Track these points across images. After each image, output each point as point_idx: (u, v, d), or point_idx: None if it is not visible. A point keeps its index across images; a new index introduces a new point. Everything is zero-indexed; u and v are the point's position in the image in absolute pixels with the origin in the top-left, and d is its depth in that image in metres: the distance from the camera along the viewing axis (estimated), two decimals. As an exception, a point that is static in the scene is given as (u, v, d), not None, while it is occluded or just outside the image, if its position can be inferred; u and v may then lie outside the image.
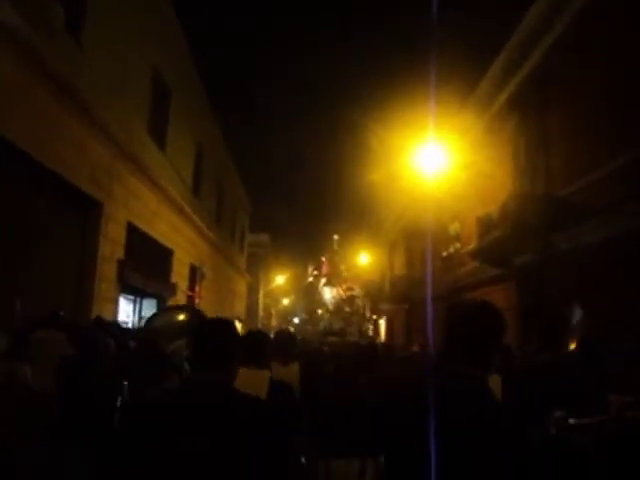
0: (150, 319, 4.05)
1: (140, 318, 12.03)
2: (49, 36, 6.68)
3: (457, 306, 1.93)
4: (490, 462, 1.53)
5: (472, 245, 13.02)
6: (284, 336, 4.52)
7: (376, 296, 29.71)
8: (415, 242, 21.56)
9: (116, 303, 9.48)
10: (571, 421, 2.21)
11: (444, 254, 16.77)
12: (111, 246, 8.87)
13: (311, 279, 31.67)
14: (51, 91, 6.79)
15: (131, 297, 11.27)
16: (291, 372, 4.05)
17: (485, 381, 1.69)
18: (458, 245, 15.72)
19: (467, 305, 1.93)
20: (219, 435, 1.68)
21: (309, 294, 30.40)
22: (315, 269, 31.74)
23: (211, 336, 1.93)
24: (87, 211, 8.35)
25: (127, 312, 11.30)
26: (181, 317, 3.09)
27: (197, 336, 1.95)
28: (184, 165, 14.44)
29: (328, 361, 6.08)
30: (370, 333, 22.54)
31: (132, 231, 9.96)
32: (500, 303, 11.88)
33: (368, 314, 25.92)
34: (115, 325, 8.95)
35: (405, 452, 1.65)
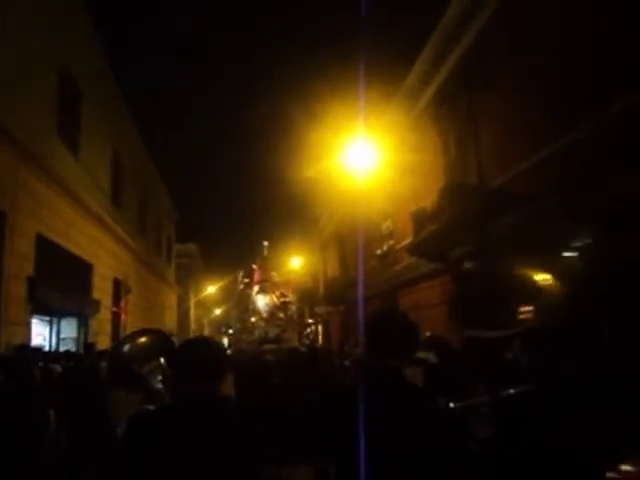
0: (116, 347, 3.97)
1: (59, 340, 10.98)
2: None
3: (375, 317, 2.26)
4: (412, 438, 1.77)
5: (407, 241, 12.96)
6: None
7: (311, 299, 29.40)
8: (348, 242, 21.44)
9: (28, 326, 8.49)
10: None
11: (378, 252, 16.68)
12: (18, 261, 7.91)
13: (242, 287, 30.84)
14: None
15: (46, 318, 10.22)
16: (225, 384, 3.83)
17: (400, 371, 1.99)
18: (392, 242, 15.67)
19: (381, 314, 2.31)
20: (215, 443, 1.84)
21: (241, 302, 29.64)
22: (246, 276, 30.95)
23: (195, 352, 2.09)
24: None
25: (43, 335, 10.24)
26: (143, 339, 3.00)
27: (182, 354, 2.15)
28: (101, 173, 13.43)
29: (271, 370, 5.74)
30: (309, 338, 22.17)
31: (43, 244, 8.98)
32: (437, 297, 11.87)
33: (308, 319, 25.55)
34: (38, 351, 8.09)
35: (346, 452, 1.82)
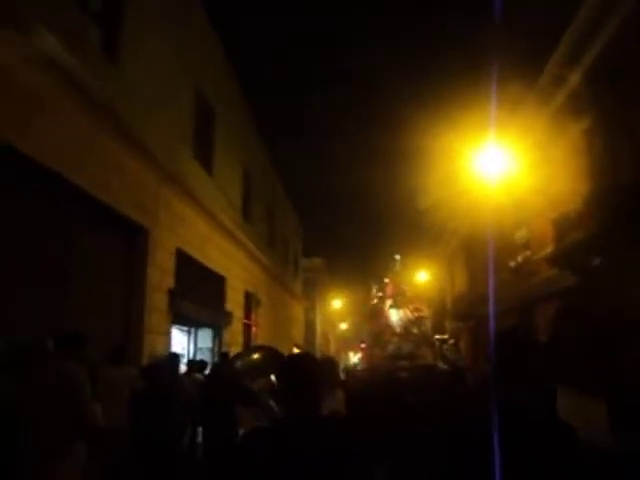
0: (230, 362, 4.34)
1: (196, 349, 11.56)
2: (85, 55, 6.36)
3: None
4: None
5: (546, 251, 11.87)
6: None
7: (438, 315, 28.41)
8: (477, 255, 20.33)
9: (169, 335, 8.99)
10: None
11: (512, 264, 15.53)
12: (160, 274, 8.42)
13: (375, 301, 30.48)
14: (88, 112, 6.44)
15: (185, 328, 10.81)
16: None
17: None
18: (528, 253, 14.50)
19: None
20: (322, 467, 1.81)
21: (374, 317, 29.34)
22: (379, 290, 30.58)
23: (302, 372, 2.06)
24: (132, 238, 7.94)
25: (182, 344, 10.84)
26: (256, 356, 3.18)
27: (283, 372, 2.13)
28: (232, 189, 14.07)
29: (405, 388, 5.39)
30: (448, 355, 21.23)
31: (182, 258, 9.52)
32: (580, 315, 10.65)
33: (444, 335, 24.58)
34: (195, 360, 8.55)
35: None
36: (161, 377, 6.97)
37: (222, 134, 12.85)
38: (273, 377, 2.77)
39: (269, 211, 19.81)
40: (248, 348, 3.63)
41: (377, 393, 5.60)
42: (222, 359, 8.32)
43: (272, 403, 2.93)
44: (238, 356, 3.20)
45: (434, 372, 6.73)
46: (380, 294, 30.40)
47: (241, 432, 2.56)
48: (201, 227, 10.79)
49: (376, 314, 28.96)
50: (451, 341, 22.96)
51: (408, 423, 4.88)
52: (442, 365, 9.14)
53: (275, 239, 20.82)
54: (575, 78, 10.81)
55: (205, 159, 11.57)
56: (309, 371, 2.07)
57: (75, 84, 6.00)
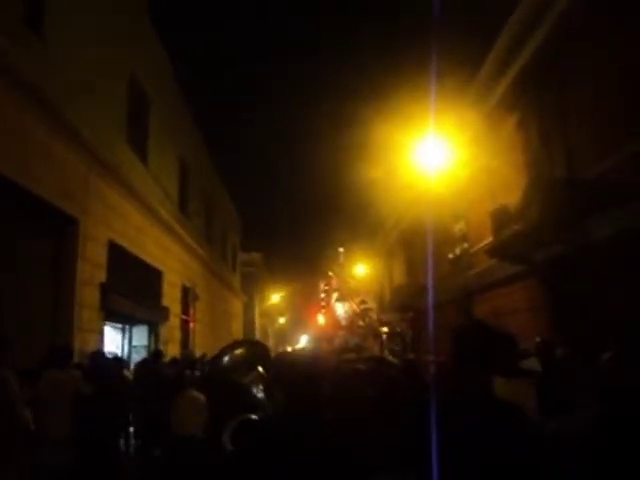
0: (214, 361, 4.16)
1: (131, 348, 10.97)
2: (6, 29, 5.73)
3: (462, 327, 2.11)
4: None
5: (484, 243, 12.14)
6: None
7: (379, 307, 28.75)
8: (416, 247, 20.67)
9: (101, 333, 8.42)
10: None
11: (450, 256, 15.85)
12: (91, 268, 7.84)
13: (323, 295, 30.30)
14: (10, 90, 5.82)
15: (119, 325, 10.21)
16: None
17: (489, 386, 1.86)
18: (466, 245, 14.82)
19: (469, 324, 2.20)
20: (317, 457, 1.83)
21: (321, 311, 29.20)
22: (326, 284, 30.43)
23: (293, 368, 2.08)
24: (61, 229, 7.33)
25: (116, 342, 10.24)
26: (241, 351, 3.13)
27: (281, 370, 2.16)
28: (169, 180, 13.47)
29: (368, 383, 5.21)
30: (396, 348, 21.37)
31: (115, 251, 8.94)
32: (521, 303, 10.97)
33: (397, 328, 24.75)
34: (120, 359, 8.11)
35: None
36: (108, 379, 6.61)
37: (158, 123, 12.24)
38: (262, 370, 2.76)
39: (207, 205, 19.23)
40: (233, 343, 3.52)
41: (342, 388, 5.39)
42: (154, 357, 7.91)
43: (262, 396, 2.91)
44: (222, 353, 3.14)
45: (385, 364, 6.59)
46: (327, 288, 30.31)
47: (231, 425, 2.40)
48: (136, 219, 10.21)
49: (322, 308, 28.86)
50: (398, 329, 23.23)
51: (375, 419, 4.75)
52: (391, 358, 9.08)
53: (213, 233, 20.25)
54: (512, 72, 11.05)
55: (140, 148, 10.96)
56: (312, 372, 2.04)
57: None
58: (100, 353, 7.88)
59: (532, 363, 4.71)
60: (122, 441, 8.02)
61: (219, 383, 3.21)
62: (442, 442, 1.69)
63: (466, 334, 2.02)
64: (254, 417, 2.42)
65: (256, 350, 3.01)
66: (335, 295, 28.47)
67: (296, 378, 2.05)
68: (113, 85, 9.34)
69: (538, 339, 5.61)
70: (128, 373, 7.42)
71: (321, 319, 27.91)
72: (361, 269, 30.32)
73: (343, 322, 26.93)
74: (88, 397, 6.01)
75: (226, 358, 2.94)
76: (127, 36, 10.04)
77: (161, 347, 11.01)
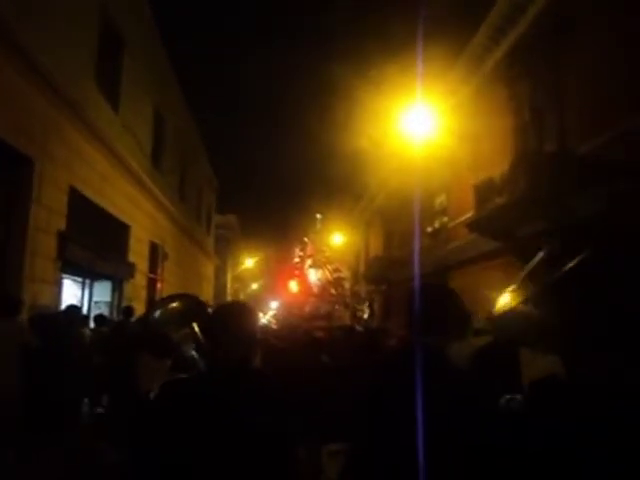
0: (148, 311, 4.13)
1: (92, 303, 10.45)
2: None
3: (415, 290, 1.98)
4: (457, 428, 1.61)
5: (464, 217, 11.85)
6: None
7: (354, 277, 28.56)
8: (394, 219, 20.36)
9: (58, 285, 7.89)
10: None
11: (429, 230, 15.59)
12: (47, 214, 7.25)
13: (297, 260, 29.85)
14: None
15: (79, 279, 9.66)
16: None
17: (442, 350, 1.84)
18: (445, 219, 14.55)
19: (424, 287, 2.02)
20: (248, 417, 1.72)
21: (293, 276, 28.86)
22: (301, 250, 29.95)
23: (231, 318, 1.92)
24: (13, 170, 6.70)
25: (75, 296, 9.70)
26: (176, 304, 2.88)
27: (216, 319, 1.97)
28: (141, 130, 12.73)
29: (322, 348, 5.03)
30: (365, 316, 21.27)
31: (76, 199, 8.33)
32: (499, 280, 10.77)
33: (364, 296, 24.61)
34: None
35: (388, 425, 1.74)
36: (55, 330, 6.18)
37: (132, 68, 11.45)
38: (196, 327, 2.52)
39: (182, 161, 18.48)
40: (169, 296, 3.21)
41: (295, 352, 5.31)
42: (125, 314, 7.44)
43: (194, 355, 2.67)
44: (156, 304, 3.03)
45: (352, 333, 6.36)
46: (301, 254, 29.90)
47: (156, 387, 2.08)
48: (102, 166, 9.56)
49: (295, 273, 28.48)
50: (366, 304, 23.14)
51: (324, 384, 4.66)
52: (358, 327, 8.84)
53: (187, 191, 19.57)
54: (508, 42, 10.60)
55: (110, 92, 10.23)
56: (239, 321, 1.89)
57: None
58: (71, 306, 7.43)
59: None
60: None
61: (149, 337, 2.86)
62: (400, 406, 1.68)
63: (421, 296, 1.94)
64: (183, 376, 2.20)
65: (192, 305, 2.72)
66: (309, 261, 28.10)
67: (221, 328, 1.88)
68: (82, 19, 8.56)
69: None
70: (86, 329, 6.95)
71: (294, 285, 27.64)
72: (338, 238, 29.99)
73: (315, 289, 26.69)
74: (35, 349, 5.67)
75: (159, 311, 2.58)
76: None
77: (126, 304, 10.51)
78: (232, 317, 1.92)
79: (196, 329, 2.35)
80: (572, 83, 8.44)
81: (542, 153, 8.61)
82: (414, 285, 2.09)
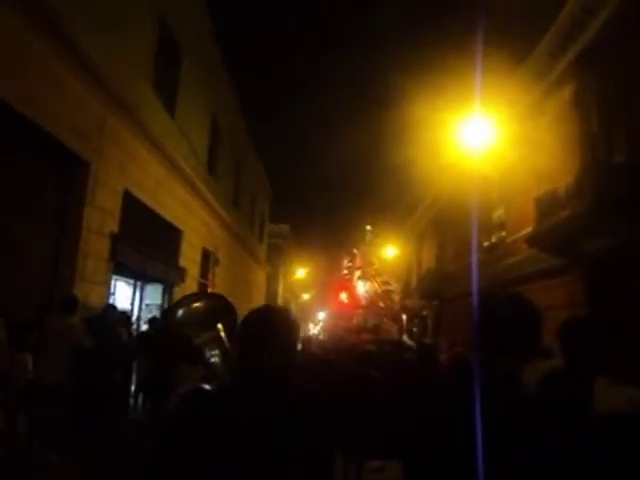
0: (169, 312, 3.76)
1: (144, 306, 10.62)
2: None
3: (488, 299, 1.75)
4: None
5: (524, 232, 11.26)
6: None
7: (404, 291, 27.97)
8: (448, 232, 19.78)
9: (107, 285, 8.00)
10: None
11: (485, 244, 14.98)
12: (101, 216, 7.37)
13: (346, 271, 29.59)
14: (18, 9, 5.29)
15: (131, 281, 9.81)
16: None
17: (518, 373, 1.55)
18: (503, 234, 13.93)
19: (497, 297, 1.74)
20: (281, 439, 1.52)
21: (342, 288, 28.62)
22: (350, 261, 29.67)
23: (263, 323, 1.68)
24: (69, 172, 6.84)
25: (127, 298, 9.87)
26: (200, 304, 2.53)
27: (246, 325, 1.72)
28: (197, 136, 12.93)
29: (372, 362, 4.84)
30: (414, 330, 20.78)
31: (130, 202, 8.46)
32: (559, 299, 10.11)
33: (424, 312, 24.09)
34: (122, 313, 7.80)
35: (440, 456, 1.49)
36: (108, 331, 6.34)
37: (190, 74, 11.65)
38: (222, 330, 2.22)
39: (237, 168, 18.69)
40: (192, 294, 3.01)
41: (344, 364, 5.16)
42: (164, 315, 7.45)
43: (218, 362, 2.40)
44: (180, 303, 2.58)
45: (402, 347, 6.08)
46: (350, 265, 29.64)
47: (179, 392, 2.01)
48: (157, 171, 9.71)
49: (344, 285, 28.23)
50: (418, 318, 22.54)
51: (372, 399, 4.46)
52: (408, 341, 8.50)
53: (241, 199, 19.76)
54: (576, 47, 10.03)
55: (167, 97, 10.41)
56: (275, 328, 1.65)
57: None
58: (109, 306, 7.54)
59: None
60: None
61: (169, 339, 2.63)
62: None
63: (496, 306, 1.65)
64: (205, 387, 1.94)
65: (218, 305, 2.35)
66: (357, 273, 27.76)
67: (253, 335, 1.62)
68: (142, 26, 8.76)
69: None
70: (123, 330, 7.01)
71: (343, 296, 27.35)
72: (389, 251, 29.50)
73: (363, 301, 26.30)
74: (88, 350, 5.80)
75: (181, 311, 2.32)
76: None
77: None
78: (266, 323, 1.69)
79: (222, 333, 2.06)
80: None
81: (611, 164, 8.02)
82: (485, 298, 1.82)
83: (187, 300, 2.39)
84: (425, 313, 22.56)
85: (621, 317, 7.77)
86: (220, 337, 2.07)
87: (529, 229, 10.66)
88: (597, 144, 9.03)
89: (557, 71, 10.91)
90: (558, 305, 9.91)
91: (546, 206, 9.15)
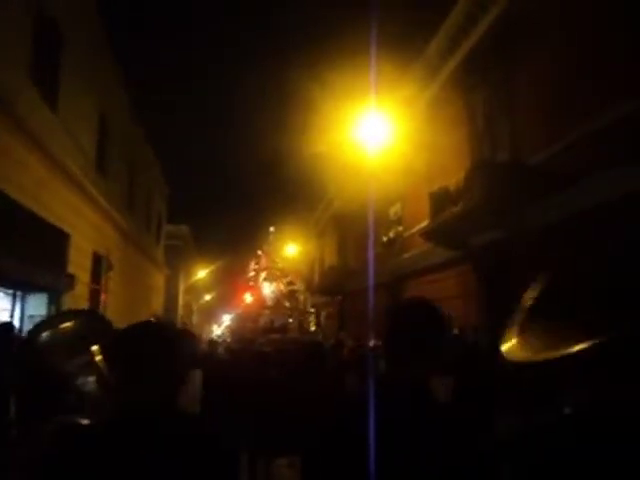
0: (32, 333, 2.97)
1: (25, 318, 9.70)
2: None
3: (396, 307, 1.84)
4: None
5: (419, 227, 11.75)
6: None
7: (308, 289, 28.25)
8: (348, 229, 20.23)
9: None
10: None
11: (384, 239, 15.47)
12: (-30, 220, 6.61)
13: (252, 273, 29.34)
14: None
15: (9, 291, 8.93)
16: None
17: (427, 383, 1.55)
18: (400, 229, 14.46)
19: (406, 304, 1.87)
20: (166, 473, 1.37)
21: (248, 290, 28.37)
22: (256, 263, 29.48)
23: (139, 346, 1.48)
24: None
25: (6, 310, 8.97)
26: (70, 324, 2.22)
27: (121, 348, 1.54)
28: (85, 135, 12.06)
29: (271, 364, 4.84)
30: (312, 328, 20.99)
31: (6, 203, 7.67)
32: (454, 289, 10.67)
33: (311, 308, 24.34)
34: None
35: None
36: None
37: (73, 67, 10.80)
38: (98, 354, 1.85)
39: (130, 169, 17.73)
40: (60, 313, 2.58)
41: (242, 366, 5.10)
42: (22, 345, 6.83)
43: (94, 389, 2.12)
44: (45, 324, 2.27)
45: (299, 346, 6.16)
46: (256, 267, 29.53)
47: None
48: (38, 170, 8.90)
49: (249, 286, 28.12)
50: (312, 314, 22.91)
51: (271, 398, 4.45)
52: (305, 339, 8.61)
53: (136, 200, 18.80)
54: (462, 52, 10.62)
55: (48, 91, 9.56)
56: (157, 348, 1.47)
57: None
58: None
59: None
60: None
61: (30, 368, 2.27)
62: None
63: (404, 314, 1.67)
64: (81, 421, 1.70)
65: (92, 324, 2.12)
66: (263, 274, 27.79)
67: (132, 357, 1.43)
68: (13, 10, 7.96)
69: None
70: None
71: (248, 298, 27.14)
72: (292, 250, 29.67)
73: (269, 302, 26.36)
74: None
75: (47, 333, 2.04)
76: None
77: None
78: (145, 346, 1.48)
79: (97, 357, 1.77)
80: (523, 93, 8.47)
81: (495, 163, 8.57)
82: (395, 305, 1.91)
83: (52, 321, 2.09)
84: (313, 310, 23.04)
85: (508, 304, 8.34)
86: (95, 361, 1.80)
87: (424, 224, 11.14)
88: (482, 143, 9.62)
89: (446, 72, 11.49)
90: (453, 295, 10.47)
91: (439, 202, 9.59)
